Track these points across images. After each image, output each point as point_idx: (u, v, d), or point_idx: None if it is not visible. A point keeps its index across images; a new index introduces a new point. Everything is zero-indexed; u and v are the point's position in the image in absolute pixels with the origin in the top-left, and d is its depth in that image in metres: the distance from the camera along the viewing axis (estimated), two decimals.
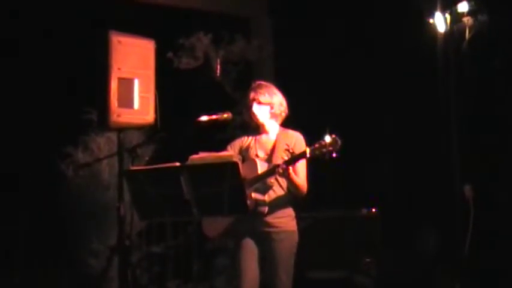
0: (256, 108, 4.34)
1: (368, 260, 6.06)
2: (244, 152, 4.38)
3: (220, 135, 5.55)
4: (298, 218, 4.38)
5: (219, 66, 6.49)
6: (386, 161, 6.48)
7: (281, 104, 4.38)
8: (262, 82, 4.43)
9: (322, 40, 6.70)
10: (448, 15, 5.38)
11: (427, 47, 5.76)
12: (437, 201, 5.96)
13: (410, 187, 6.22)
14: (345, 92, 6.60)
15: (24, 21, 6.17)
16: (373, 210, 6.13)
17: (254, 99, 4.33)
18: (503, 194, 5.67)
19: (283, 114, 4.41)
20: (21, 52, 6.14)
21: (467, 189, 5.62)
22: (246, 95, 4.39)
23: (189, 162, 3.97)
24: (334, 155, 3.97)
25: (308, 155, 4.03)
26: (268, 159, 4.29)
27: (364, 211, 6.17)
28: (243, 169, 4.12)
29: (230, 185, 3.73)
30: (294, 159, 4.13)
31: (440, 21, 5.47)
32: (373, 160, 6.46)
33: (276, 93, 4.38)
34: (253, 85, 4.41)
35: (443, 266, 5.84)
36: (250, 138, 4.44)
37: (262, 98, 4.32)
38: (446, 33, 5.49)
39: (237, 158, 4.03)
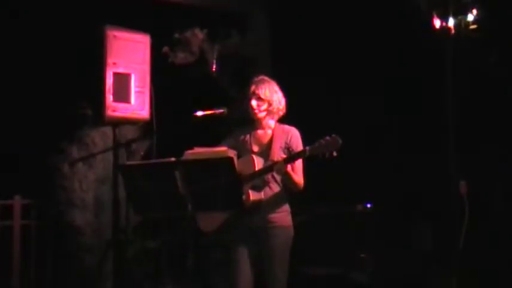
0: (254, 102, 4.33)
1: (363, 256, 6.06)
2: (240, 147, 4.37)
3: (215, 131, 5.54)
4: (294, 214, 4.38)
5: (214, 61, 6.48)
6: (382, 157, 6.48)
7: (280, 103, 4.37)
8: (265, 77, 4.41)
9: (320, 35, 6.68)
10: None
11: (425, 47, 5.76)
12: (433, 197, 5.97)
13: (405, 183, 6.22)
14: (342, 88, 6.59)
15: (20, 16, 6.15)
16: (369, 206, 6.14)
17: (254, 94, 4.32)
18: (499, 190, 5.68)
19: (281, 113, 4.40)
20: (17, 46, 6.11)
21: (463, 185, 5.63)
22: (247, 87, 4.37)
23: (184, 157, 3.97)
24: (334, 154, 3.96)
25: (308, 154, 4.03)
26: (265, 155, 4.28)
27: (360, 207, 6.17)
28: (239, 164, 4.13)
29: (225, 181, 3.73)
30: (293, 158, 4.12)
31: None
32: (369, 156, 6.46)
33: (276, 91, 4.37)
34: (256, 79, 4.39)
35: (439, 261, 5.85)
36: (246, 133, 4.43)
37: (262, 94, 4.31)
38: (444, 31, 5.50)
39: (232, 154, 4.02)
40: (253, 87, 4.33)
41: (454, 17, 5.45)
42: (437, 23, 5.51)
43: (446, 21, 5.47)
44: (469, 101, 5.64)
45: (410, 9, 5.68)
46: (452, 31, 5.46)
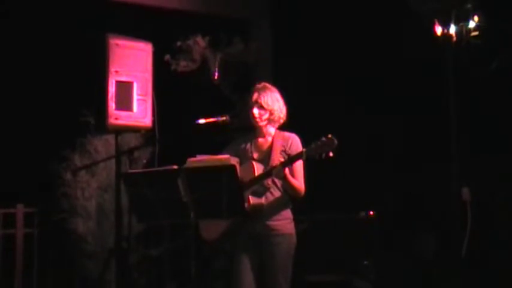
0: (256, 111, 4.33)
1: (366, 263, 6.05)
2: (241, 155, 4.37)
3: (218, 138, 5.55)
4: (296, 221, 4.37)
5: (216, 69, 6.49)
6: (384, 164, 6.48)
7: (281, 111, 4.37)
8: (267, 85, 4.40)
9: (322, 42, 6.69)
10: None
11: (425, 48, 5.76)
12: (436, 204, 5.96)
13: (408, 190, 6.21)
14: (344, 94, 6.59)
15: (22, 25, 6.17)
16: (371, 213, 6.13)
17: (256, 102, 4.32)
18: (501, 197, 5.68)
19: (281, 121, 4.40)
20: (19, 55, 6.13)
21: (465, 192, 5.63)
22: (249, 94, 4.36)
23: (186, 165, 3.97)
24: (331, 154, 3.97)
25: (305, 156, 4.04)
26: (265, 161, 4.28)
27: (362, 214, 6.16)
28: (240, 172, 4.12)
29: (228, 188, 3.73)
30: (291, 160, 4.13)
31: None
32: (371, 163, 6.46)
33: (278, 100, 4.36)
34: (258, 86, 4.39)
35: (442, 269, 5.84)
36: (246, 140, 4.43)
37: (264, 103, 4.31)
38: (445, 38, 5.52)
39: (234, 161, 4.02)
40: (255, 96, 4.33)
41: (456, 24, 5.46)
42: (438, 30, 5.53)
43: (448, 28, 5.48)
44: (471, 108, 5.64)
45: (412, 16, 5.70)
46: (454, 38, 5.48)
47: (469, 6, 5.46)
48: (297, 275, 4.37)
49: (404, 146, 6.35)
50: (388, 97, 6.41)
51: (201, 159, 4.03)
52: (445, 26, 5.48)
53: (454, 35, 5.48)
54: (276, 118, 4.35)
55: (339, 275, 6.00)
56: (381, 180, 6.41)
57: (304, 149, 4.07)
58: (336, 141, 3.97)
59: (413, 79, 6.13)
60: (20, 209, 5.96)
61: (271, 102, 4.32)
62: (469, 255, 5.52)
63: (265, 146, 4.36)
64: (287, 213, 4.31)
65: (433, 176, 6.01)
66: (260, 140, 4.40)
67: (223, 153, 4.31)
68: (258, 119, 4.33)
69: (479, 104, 5.70)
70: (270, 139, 4.37)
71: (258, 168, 4.21)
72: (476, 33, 5.48)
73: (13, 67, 6.07)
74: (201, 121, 4.29)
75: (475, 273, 5.56)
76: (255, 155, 4.34)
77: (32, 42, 6.17)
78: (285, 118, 4.40)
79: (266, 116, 4.33)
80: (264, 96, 4.31)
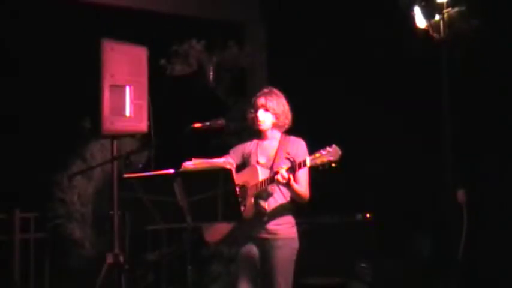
0: (261, 114, 4.32)
1: (363, 265, 6.06)
2: (246, 158, 4.37)
3: (214, 142, 5.56)
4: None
5: (212, 73, 6.50)
6: (381, 166, 6.48)
7: (286, 116, 4.35)
8: (274, 90, 4.38)
9: (317, 45, 6.71)
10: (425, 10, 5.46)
11: (417, 49, 5.78)
12: (432, 206, 5.97)
13: (404, 192, 6.22)
14: (339, 98, 6.60)
15: (18, 30, 6.18)
16: (368, 215, 6.14)
17: (262, 106, 4.31)
18: (497, 198, 5.69)
19: (287, 126, 4.38)
20: (16, 60, 6.14)
21: (461, 194, 5.64)
22: (254, 97, 4.35)
23: (182, 169, 3.97)
24: (334, 164, 3.94)
25: (308, 165, 4.01)
26: (270, 166, 4.27)
27: (359, 216, 6.17)
28: (244, 175, 4.14)
29: (223, 192, 3.73)
30: (294, 168, 4.10)
31: (419, 15, 5.55)
32: (367, 165, 6.46)
33: (284, 105, 4.35)
34: (265, 90, 4.37)
35: (438, 270, 5.84)
36: (252, 144, 4.42)
37: (270, 107, 4.29)
38: (440, 40, 5.54)
39: (230, 165, 4.02)
40: (261, 99, 4.31)
41: (449, 24, 5.48)
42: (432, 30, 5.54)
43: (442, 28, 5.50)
44: (466, 110, 5.66)
45: (407, 17, 5.71)
46: (448, 38, 5.49)
47: (463, 6, 5.48)
48: (294, 277, 4.37)
49: (401, 147, 6.36)
50: (386, 100, 6.42)
51: (197, 163, 4.03)
52: (438, 27, 5.49)
53: (448, 35, 5.49)
54: (281, 123, 4.34)
55: (337, 277, 6.00)
56: (378, 183, 6.42)
57: (307, 158, 4.00)
58: (340, 152, 3.92)
59: (411, 79, 6.14)
60: (17, 215, 5.95)
61: (277, 107, 4.31)
62: (466, 257, 5.53)
63: (271, 150, 4.34)
64: (289, 218, 4.29)
65: (429, 178, 6.01)
66: (266, 143, 4.38)
67: (228, 155, 4.31)
68: (262, 123, 4.32)
69: (476, 105, 5.72)
70: (275, 143, 4.35)
71: (263, 173, 4.19)
72: (471, 35, 5.49)
73: (10, 71, 6.07)
74: (197, 125, 4.29)
75: (472, 275, 5.57)
76: (261, 160, 4.33)
77: (29, 46, 6.17)
78: (290, 123, 4.38)
79: (270, 120, 4.32)
80: (270, 101, 4.30)
